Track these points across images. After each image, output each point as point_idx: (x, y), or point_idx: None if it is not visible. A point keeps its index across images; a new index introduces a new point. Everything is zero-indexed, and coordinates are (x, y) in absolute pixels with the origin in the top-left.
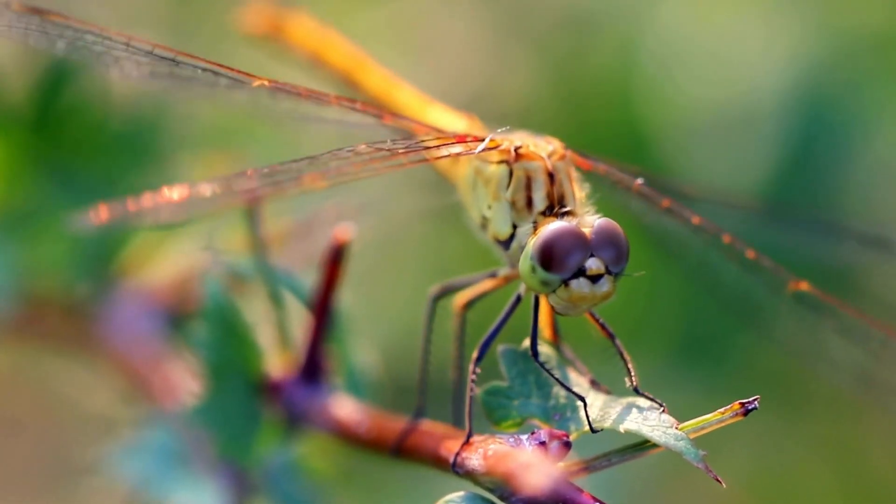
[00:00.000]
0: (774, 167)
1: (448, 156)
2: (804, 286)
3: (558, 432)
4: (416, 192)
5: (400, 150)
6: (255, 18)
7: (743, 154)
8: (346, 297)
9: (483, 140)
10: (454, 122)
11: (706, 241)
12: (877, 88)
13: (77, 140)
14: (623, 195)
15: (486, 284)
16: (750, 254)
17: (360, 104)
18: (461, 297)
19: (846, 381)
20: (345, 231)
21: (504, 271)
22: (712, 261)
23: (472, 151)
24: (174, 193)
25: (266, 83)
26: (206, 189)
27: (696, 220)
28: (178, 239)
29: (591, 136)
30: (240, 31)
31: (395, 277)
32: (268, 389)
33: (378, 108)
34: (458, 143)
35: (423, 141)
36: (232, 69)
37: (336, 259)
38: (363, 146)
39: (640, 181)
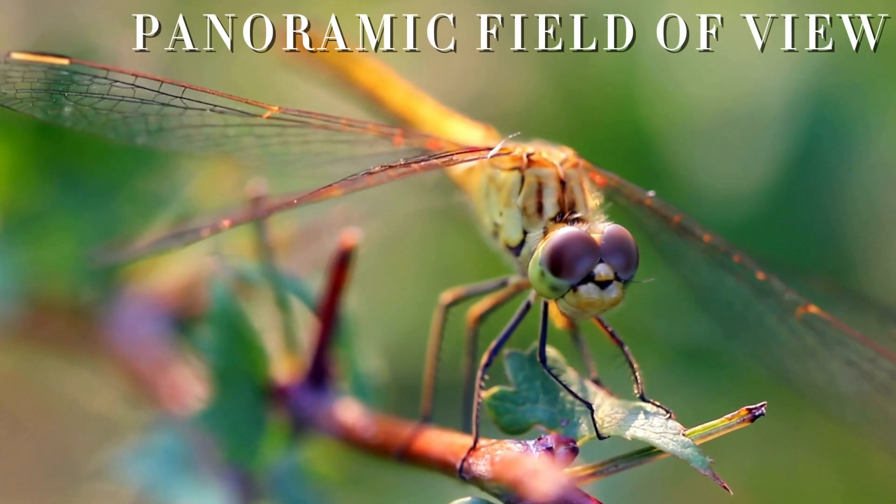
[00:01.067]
0: (778, 168)
1: (459, 162)
2: (813, 309)
3: (565, 438)
4: (418, 193)
5: (413, 163)
6: (291, 40)
7: (746, 155)
8: (353, 302)
9: (494, 146)
10: (472, 133)
11: (717, 259)
12: (881, 89)
13: (81, 144)
14: (634, 209)
15: (498, 295)
16: (760, 275)
17: (370, 125)
18: (474, 311)
19: (852, 418)
20: (351, 236)
21: (515, 279)
22: (722, 283)
23: (485, 156)
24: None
25: (277, 111)
26: (226, 222)
27: (707, 237)
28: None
29: (594, 136)
30: (276, 62)
31: (397, 279)
32: (274, 394)
33: (390, 128)
34: (469, 152)
35: (435, 155)
36: (242, 99)
37: (342, 264)
38: (378, 168)
39: (651, 193)
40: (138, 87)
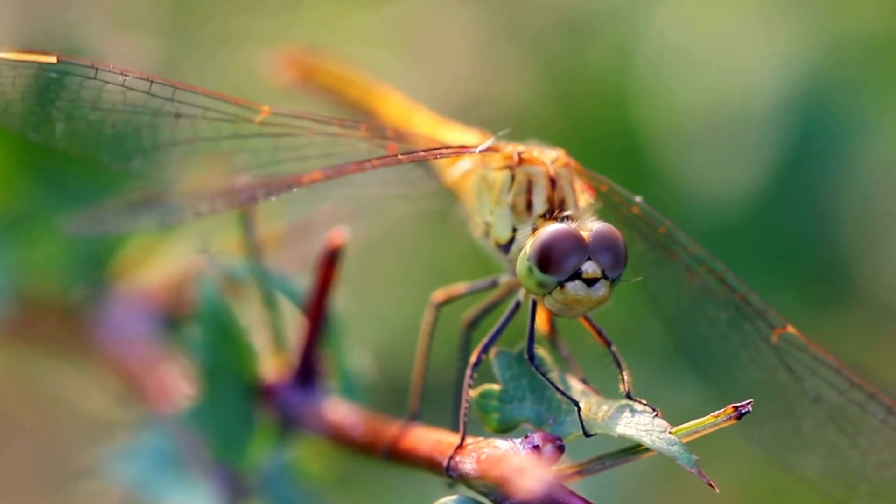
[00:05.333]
0: (770, 169)
1: (446, 156)
2: (790, 329)
3: (552, 436)
4: (413, 199)
5: (399, 154)
6: (281, 69)
7: (739, 156)
8: (341, 300)
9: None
10: (466, 138)
11: (698, 278)
12: (874, 90)
13: None
14: (622, 216)
15: (490, 297)
16: (739, 295)
17: (363, 127)
18: (466, 317)
19: (815, 472)
20: (339, 234)
21: (505, 278)
22: (700, 309)
23: (473, 152)
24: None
25: (268, 112)
26: (204, 201)
27: (691, 249)
28: (173, 241)
29: (587, 139)
30: (267, 79)
31: (389, 280)
32: (262, 392)
33: (383, 130)
34: (458, 148)
35: (422, 149)
36: (233, 99)
37: (330, 262)
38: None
39: (639, 198)
40: (128, 88)
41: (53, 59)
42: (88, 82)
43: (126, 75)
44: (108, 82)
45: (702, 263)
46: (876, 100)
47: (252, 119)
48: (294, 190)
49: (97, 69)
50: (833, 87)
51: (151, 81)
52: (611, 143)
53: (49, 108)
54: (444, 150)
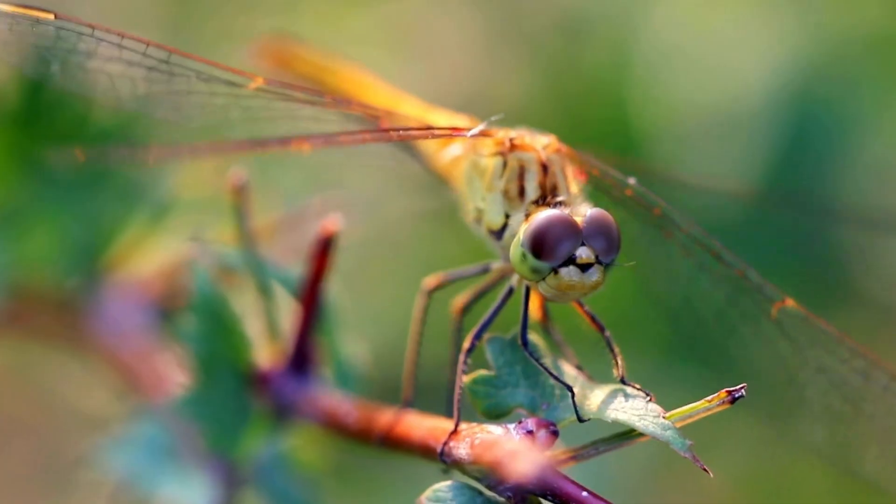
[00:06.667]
0: (766, 167)
1: (437, 137)
2: (790, 303)
3: (545, 421)
4: (407, 190)
5: (390, 130)
6: (261, 54)
7: (735, 154)
8: (336, 291)
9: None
10: (457, 123)
11: (694, 257)
12: (870, 88)
13: (62, 135)
14: (615, 199)
15: (482, 282)
16: (737, 271)
17: (355, 104)
18: (458, 301)
19: (818, 441)
20: (332, 223)
21: (497, 264)
22: (697, 287)
23: (465, 134)
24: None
25: (262, 82)
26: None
27: (686, 228)
28: (167, 231)
29: (585, 136)
30: (249, 61)
31: (385, 274)
32: (257, 381)
33: (374, 110)
34: (450, 130)
35: (414, 128)
36: (227, 68)
37: (324, 250)
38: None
39: (632, 180)
40: (125, 48)
41: (51, 17)
42: (85, 38)
43: (123, 36)
44: (103, 40)
45: (697, 241)
46: (873, 98)
47: (245, 86)
48: (282, 151)
49: (94, 30)
50: (830, 85)
51: (147, 45)
52: (608, 141)
53: (45, 55)
54: (436, 131)
